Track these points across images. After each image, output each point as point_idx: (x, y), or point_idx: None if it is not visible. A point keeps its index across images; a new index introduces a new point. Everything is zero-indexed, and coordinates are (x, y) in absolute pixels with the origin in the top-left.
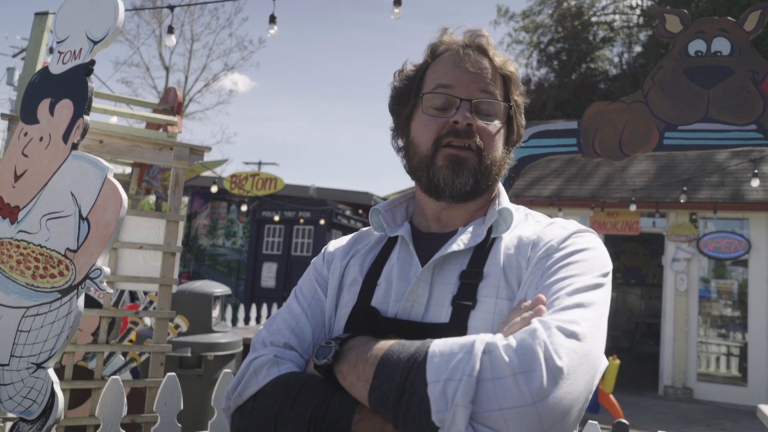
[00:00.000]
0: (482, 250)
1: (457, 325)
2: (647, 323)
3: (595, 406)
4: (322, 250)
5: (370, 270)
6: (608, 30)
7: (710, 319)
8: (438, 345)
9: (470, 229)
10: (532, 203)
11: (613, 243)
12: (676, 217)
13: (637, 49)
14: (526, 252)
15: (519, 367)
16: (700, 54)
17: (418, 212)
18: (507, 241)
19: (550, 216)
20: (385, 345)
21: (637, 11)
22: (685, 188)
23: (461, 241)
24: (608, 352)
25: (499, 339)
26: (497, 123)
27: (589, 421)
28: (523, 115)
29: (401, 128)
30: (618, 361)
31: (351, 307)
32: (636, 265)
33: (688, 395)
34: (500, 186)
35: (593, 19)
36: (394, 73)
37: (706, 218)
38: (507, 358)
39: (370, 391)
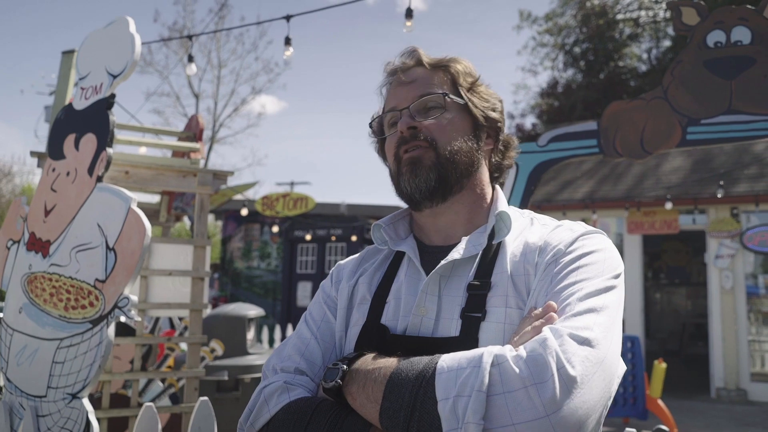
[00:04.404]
0: (487, 259)
1: (468, 338)
2: (695, 324)
3: (644, 413)
4: (330, 272)
5: (379, 288)
6: (634, 26)
7: (761, 316)
8: (446, 360)
9: (470, 237)
10: (564, 207)
11: (652, 243)
12: (717, 213)
13: (666, 43)
14: (533, 258)
15: (530, 378)
16: (719, 45)
17: (417, 227)
18: (513, 247)
19: (585, 220)
20: (393, 363)
21: (663, 5)
22: (722, 182)
23: (461, 249)
24: (655, 356)
25: (508, 350)
26: (446, 115)
27: (627, 429)
28: (489, 99)
29: (386, 163)
30: (664, 365)
31: (361, 326)
32: (679, 264)
33: (743, 397)
34: (499, 191)
35: (618, 16)
36: (369, 125)
37: (748, 212)
38: (517, 370)
39: (381, 412)
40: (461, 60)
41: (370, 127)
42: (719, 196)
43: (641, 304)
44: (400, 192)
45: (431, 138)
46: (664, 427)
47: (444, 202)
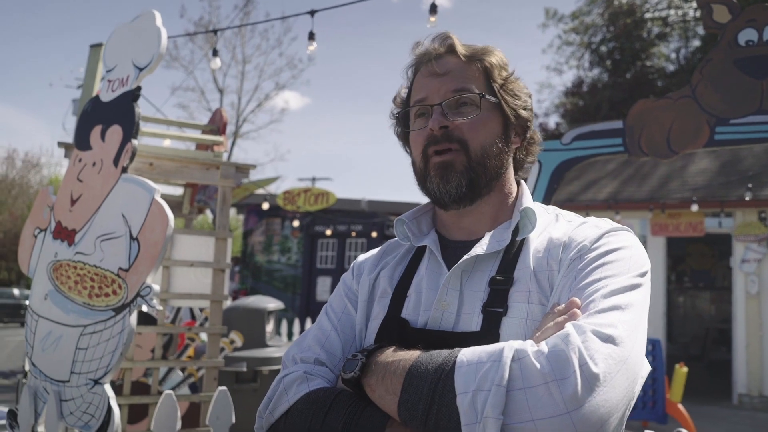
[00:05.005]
0: (510, 254)
1: (489, 333)
2: (718, 329)
3: (663, 417)
4: (351, 264)
5: (400, 282)
6: (663, 25)
7: None
8: (466, 354)
9: (494, 233)
10: (588, 207)
11: (677, 245)
12: (744, 216)
13: (695, 43)
14: (557, 254)
15: (551, 374)
16: (751, 43)
17: (440, 221)
18: (537, 243)
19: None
20: (412, 356)
21: (693, 4)
22: (750, 185)
23: (484, 244)
24: (676, 360)
25: (529, 345)
26: (479, 114)
27: (646, 431)
28: (520, 96)
29: (406, 150)
30: (685, 369)
31: (381, 319)
32: (704, 268)
33: (766, 404)
34: (524, 186)
35: (646, 15)
36: (393, 100)
37: None
38: (538, 365)
39: (399, 405)
40: (495, 51)
41: (393, 103)
42: (747, 199)
43: (664, 307)
44: (427, 192)
45: (463, 139)
46: (683, 430)
47: (471, 205)
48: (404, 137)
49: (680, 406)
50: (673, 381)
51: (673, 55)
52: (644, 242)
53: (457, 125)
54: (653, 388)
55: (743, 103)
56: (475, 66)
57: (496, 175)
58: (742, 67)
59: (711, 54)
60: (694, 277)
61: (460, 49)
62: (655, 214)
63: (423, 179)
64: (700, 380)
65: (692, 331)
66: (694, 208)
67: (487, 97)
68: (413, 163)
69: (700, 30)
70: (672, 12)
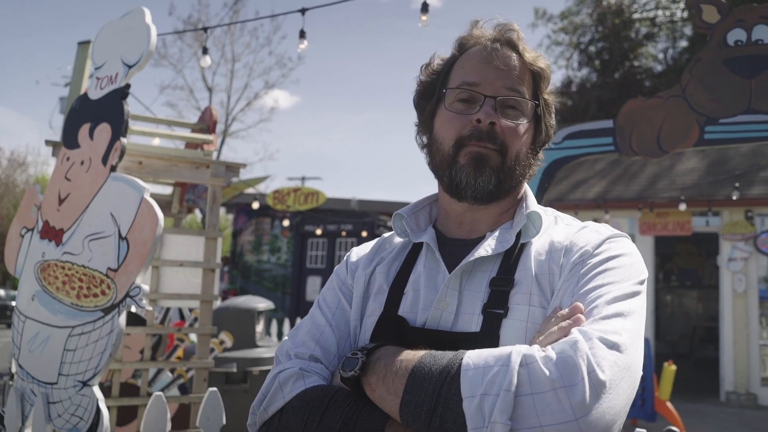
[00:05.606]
0: (512, 256)
1: (489, 335)
2: (706, 327)
3: (652, 415)
4: (345, 258)
5: (396, 278)
6: (651, 26)
7: None
8: (472, 357)
9: (497, 234)
10: (576, 206)
11: (665, 244)
12: (731, 215)
13: (683, 43)
14: (558, 258)
15: (560, 380)
16: (740, 43)
17: (442, 216)
18: (538, 246)
19: (597, 220)
20: (415, 356)
21: (680, 5)
22: (737, 184)
23: (488, 246)
24: (664, 358)
25: (536, 351)
26: (524, 122)
27: (637, 429)
28: (552, 115)
29: (425, 124)
30: (674, 367)
31: (377, 316)
32: (691, 267)
33: (752, 401)
34: (527, 188)
35: (635, 15)
36: (421, 67)
37: (763, 215)
38: (547, 372)
39: (401, 406)
40: (545, 61)
41: (422, 71)
42: (734, 198)
43: (652, 305)
44: (446, 177)
45: (504, 142)
46: (674, 428)
47: (486, 204)
48: (431, 111)
49: (669, 404)
50: (662, 379)
51: (661, 56)
52: (633, 241)
53: (503, 125)
54: (642, 387)
55: (732, 102)
56: (529, 71)
57: (517, 183)
58: (731, 66)
59: (700, 54)
60: (681, 276)
61: (523, 50)
62: (644, 213)
63: (447, 165)
64: (688, 378)
65: (680, 330)
66: (682, 207)
67: (537, 109)
68: (436, 142)
69: (688, 30)
70: (660, 12)
